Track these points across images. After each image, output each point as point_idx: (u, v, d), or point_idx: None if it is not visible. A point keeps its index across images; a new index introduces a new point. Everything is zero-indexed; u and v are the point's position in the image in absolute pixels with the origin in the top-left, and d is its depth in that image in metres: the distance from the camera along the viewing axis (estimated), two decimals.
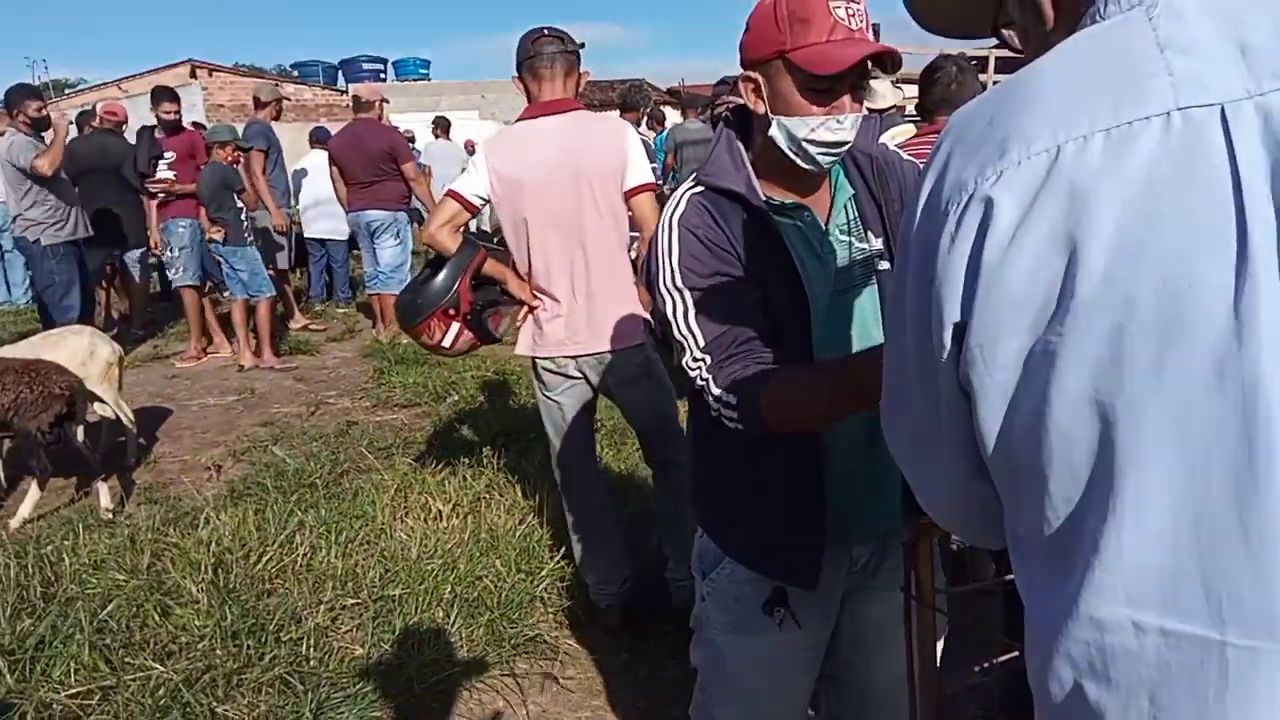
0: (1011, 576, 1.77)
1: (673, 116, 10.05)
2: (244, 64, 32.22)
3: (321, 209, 8.13)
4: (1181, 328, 0.64)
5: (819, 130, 1.43)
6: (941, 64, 3.24)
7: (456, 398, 5.53)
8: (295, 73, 26.90)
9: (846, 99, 1.44)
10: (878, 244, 1.57)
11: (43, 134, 6.26)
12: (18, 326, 7.79)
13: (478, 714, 2.65)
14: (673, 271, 1.47)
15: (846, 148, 1.47)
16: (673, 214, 1.52)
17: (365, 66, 26.52)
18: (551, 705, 2.73)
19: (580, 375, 2.89)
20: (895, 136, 5.55)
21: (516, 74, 2.82)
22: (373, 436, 4.95)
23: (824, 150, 1.46)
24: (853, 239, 1.57)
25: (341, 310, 8.83)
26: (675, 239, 1.49)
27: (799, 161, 1.48)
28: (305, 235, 8.20)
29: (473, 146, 16.83)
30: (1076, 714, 0.73)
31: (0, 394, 3.74)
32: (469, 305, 2.81)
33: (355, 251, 9.96)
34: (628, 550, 3.14)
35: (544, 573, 3.20)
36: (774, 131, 1.47)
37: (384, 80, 26.61)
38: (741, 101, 1.55)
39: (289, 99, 23.94)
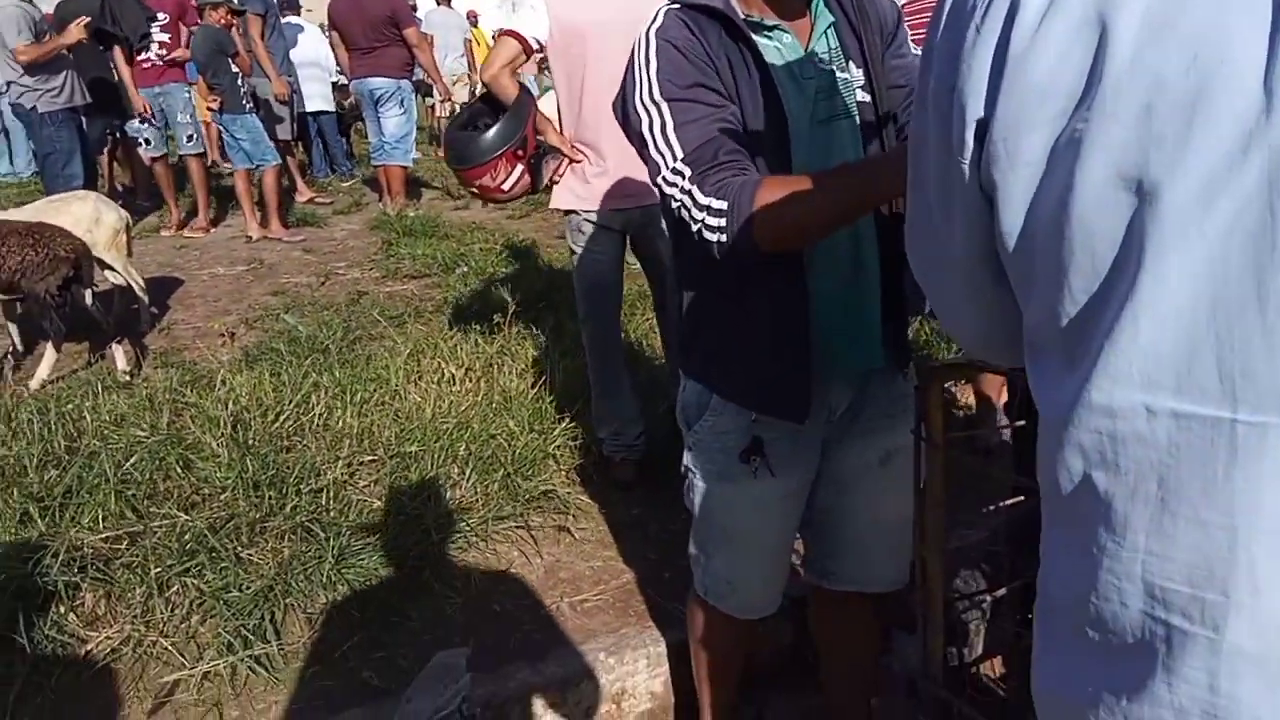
0: (1021, 423, 1.79)
1: None
2: None
3: (304, 74, 7.98)
4: (1209, 104, 0.62)
5: None
6: None
7: (465, 269, 5.52)
8: None
9: None
10: (858, 74, 1.54)
11: None
12: (22, 198, 7.73)
13: (493, 563, 2.74)
14: (650, 84, 1.43)
15: None
16: (649, 28, 1.47)
17: None
18: (565, 556, 2.81)
19: (621, 229, 2.94)
20: None
21: None
22: (383, 306, 4.97)
23: None
24: (834, 67, 1.53)
25: (346, 184, 8.74)
26: (653, 51, 1.44)
27: None
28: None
29: (475, 16, 16.34)
30: (1084, 504, 0.73)
31: (6, 256, 3.73)
32: (534, 147, 2.81)
33: (359, 125, 9.84)
34: (640, 409, 3.19)
35: (556, 433, 3.25)
36: None
37: None
38: None
39: None
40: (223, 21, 6.26)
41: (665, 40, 1.46)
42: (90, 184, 6.31)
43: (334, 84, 8.75)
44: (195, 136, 6.76)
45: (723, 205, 1.36)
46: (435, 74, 7.17)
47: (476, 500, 2.92)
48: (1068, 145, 0.68)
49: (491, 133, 2.77)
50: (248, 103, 6.28)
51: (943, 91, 0.76)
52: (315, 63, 8.33)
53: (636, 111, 1.47)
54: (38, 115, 6.01)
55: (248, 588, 2.45)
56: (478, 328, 4.22)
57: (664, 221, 1.83)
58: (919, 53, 1.68)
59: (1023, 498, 1.80)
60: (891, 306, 1.62)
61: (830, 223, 1.42)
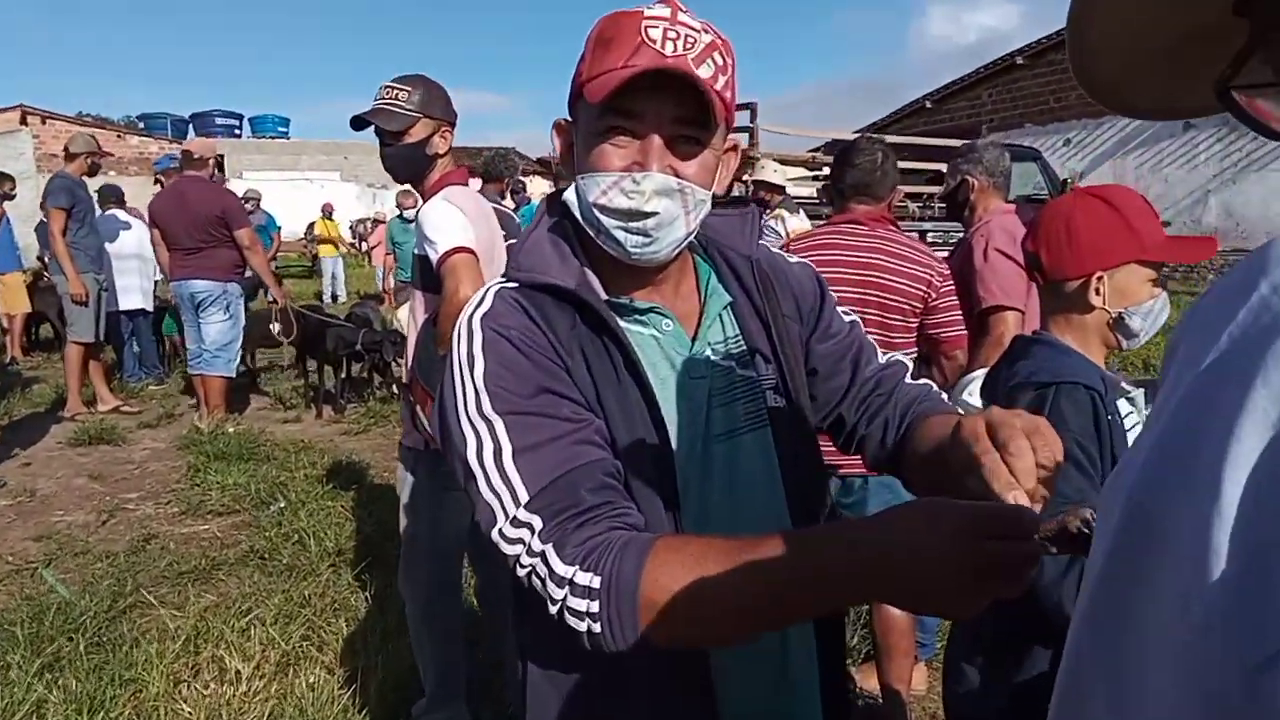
0: None
1: (542, 185, 9.63)
2: (89, 113, 30.20)
3: (122, 267, 7.29)
4: None
5: (611, 192, 0.99)
6: (866, 145, 2.81)
7: (283, 504, 4.70)
8: (140, 124, 25.30)
9: (654, 148, 0.97)
10: (768, 370, 1.11)
11: None
12: None
13: None
14: (476, 393, 0.97)
15: (652, 223, 0.99)
16: (473, 312, 1.03)
17: (219, 121, 25.23)
18: None
19: None
20: (793, 230, 5.18)
21: (442, 134, 2.65)
22: (174, 555, 4.10)
23: (621, 223, 1.01)
24: (734, 364, 1.10)
25: (159, 387, 7.83)
26: (479, 346, 1.00)
27: (602, 244, 1.04)
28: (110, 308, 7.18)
29: (330, 209, 16.04)
30: None
31: None
32: None
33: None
34: None
35: None
36: (568, 196, 1.06)
37: (239, 136, 25.33)
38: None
39: (133, 150, 22.48)
40: None
41: (495, 330, 0.99)
42: None
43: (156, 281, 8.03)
44: None
45: (593, 582, 0.88)
46: (270, 277, 6.55)
47: None
48: None
49: None
50: None
51: None
52: (137, 256, 7.64)
53: (460, 431, 0.97)
54: None
55: None
56: (280, 596, 3.44)
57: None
58: (853, 319, 1.24)
59: None
60: (828, 650, 1.14)
61: (757, 621, 0.89)
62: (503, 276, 1.09)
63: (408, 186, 2.87)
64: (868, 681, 3.03)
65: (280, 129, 26.19)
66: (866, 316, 2.66)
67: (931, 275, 2.69)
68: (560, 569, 0.89)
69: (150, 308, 7.85)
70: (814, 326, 1.19)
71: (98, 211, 6.99)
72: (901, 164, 3.10)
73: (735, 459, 1.07)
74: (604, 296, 1.06)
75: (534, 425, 0.96)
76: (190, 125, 24.80)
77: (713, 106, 0.95)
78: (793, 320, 1.16)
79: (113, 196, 7.90)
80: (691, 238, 1.05)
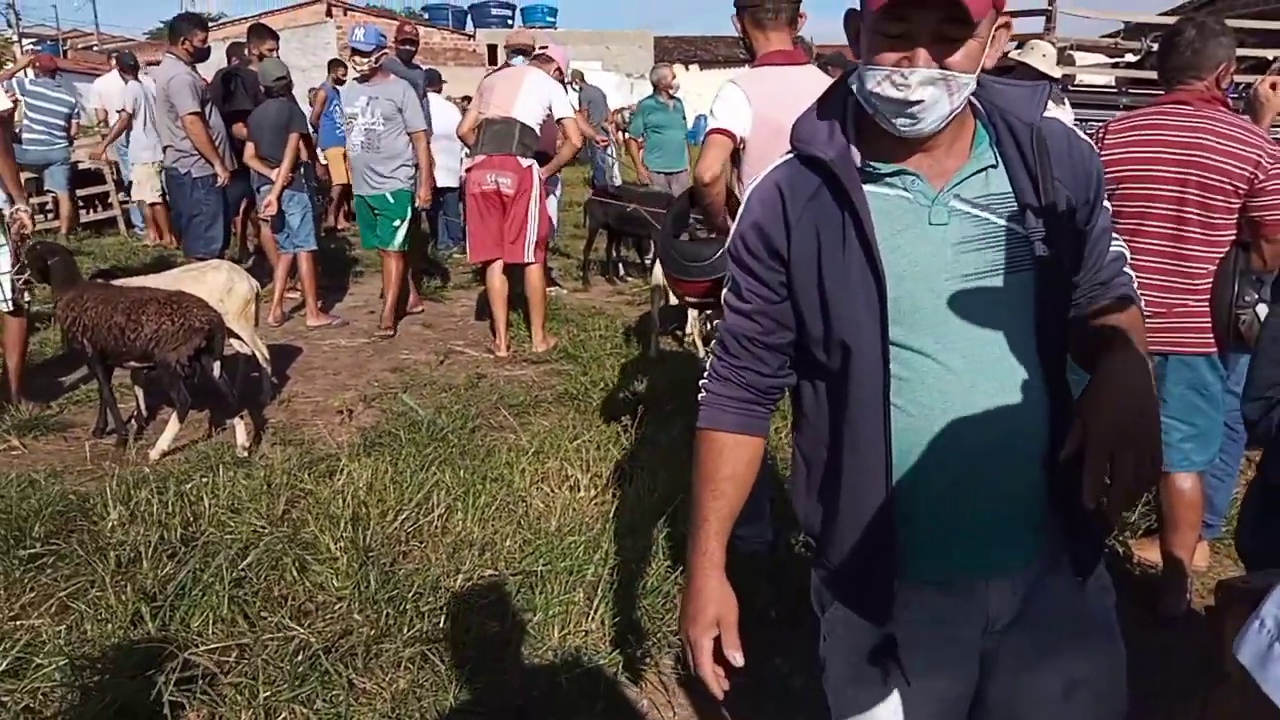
0: None
1: None
2: (375, 3, 32.55)
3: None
4: None
5: (883, 84, 1.20)
6: (1183, 26, 2.88)
7: (586, 356, 5.34)
8: (425, 15, 27.09)
9: (923, 51, 1.17)
10: (1037, 225, 1.27)
11: (196, 65, 6.27)
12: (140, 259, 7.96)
13: (622, 711, 2.46)
14: (733, 236, 1.40)
15: (919, 111, 1.20)
16: (755, 181, 1.39)
17: (494, 12, 26.54)
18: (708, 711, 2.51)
19: None
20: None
21: (736, 16, 2.85)
22: (503, 391, 4.82)
23: (893, 108, 1.21)
24: (993, 215, 1.27)
25: (462, 256, 8.74)
26: (744, 207, 1.39)
27: (876, 120, 1.25)
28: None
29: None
30: None
31: (143, 324, 3.71)
32: None
33: None
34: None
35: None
36: (852, 81, 1.28)
37: (512, 26, 26.59)
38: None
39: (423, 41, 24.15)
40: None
41: (753, 200, 1.37)
42: (226, 245, 6.43)
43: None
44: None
45: (700, 398, 1.45)
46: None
47: (605, 636, 2.66)
48: None
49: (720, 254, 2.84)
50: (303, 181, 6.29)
51: None
52: (446, 136, 8.40)
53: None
54: (190, 180, 6.15)
55: None
56: (601, 428, 4.02)
57: None
58: (1107, 206, 1.39)
59: None
60: (1062, 486, 1.27)
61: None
62: (788, 149, 1.38)
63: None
64: (1147, 552, 3.17)
65: (549, 19, 27.15)
66: (1187, 196, 2.71)
67: (1260, 156, 2.68)
68: (704, 379, 1.44)
69: (457, 185, 8.69)
70: (1090, 204, 1.33)
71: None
72: None
73: (984, 298, 1.26)
74: (858, 163, 1.28)
75: (741, 279, 1.37)
76: (469, 15, 26.24)
77: (973, 11, 1.13)
78: (1064, 187, 1.29)
79: (430, 81, 8.72)
80: (957, 112, 1.21)
